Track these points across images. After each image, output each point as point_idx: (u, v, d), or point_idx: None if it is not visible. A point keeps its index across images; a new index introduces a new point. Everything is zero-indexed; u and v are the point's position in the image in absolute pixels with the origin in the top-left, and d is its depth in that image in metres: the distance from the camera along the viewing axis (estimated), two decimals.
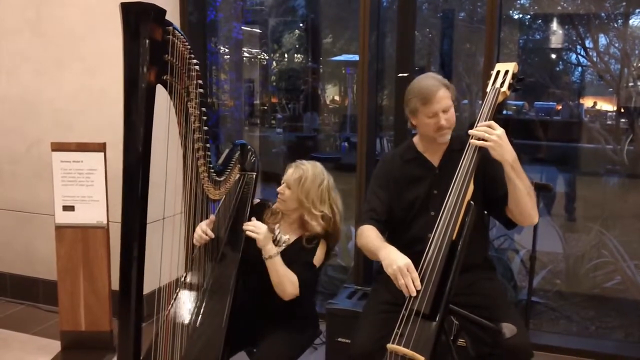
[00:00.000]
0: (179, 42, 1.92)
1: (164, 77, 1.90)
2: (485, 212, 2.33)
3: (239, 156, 2.46)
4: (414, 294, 1.84)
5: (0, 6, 3.70)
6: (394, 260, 1.94)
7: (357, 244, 2.30)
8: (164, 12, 1.86)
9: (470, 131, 2.02)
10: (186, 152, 2.13)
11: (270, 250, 2.19)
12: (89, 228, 3.14)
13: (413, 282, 1.85)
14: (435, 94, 2.15)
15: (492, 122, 2.00)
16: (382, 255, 2.02)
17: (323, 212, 2.28)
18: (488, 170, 2.16)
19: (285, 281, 2.19)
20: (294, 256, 2.29)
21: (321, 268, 2.34)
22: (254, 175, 2.50)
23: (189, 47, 1.97)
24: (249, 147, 2.50)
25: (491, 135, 1.96)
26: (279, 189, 2.33)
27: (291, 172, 2.31)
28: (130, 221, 1.85)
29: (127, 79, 1.80)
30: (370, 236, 2.17)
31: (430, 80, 2.18)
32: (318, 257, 2.29)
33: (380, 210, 2.28)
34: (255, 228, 2.20)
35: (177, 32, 1.90)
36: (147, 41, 1.79)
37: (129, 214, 1.85)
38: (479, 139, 1.98)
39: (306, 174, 2.28)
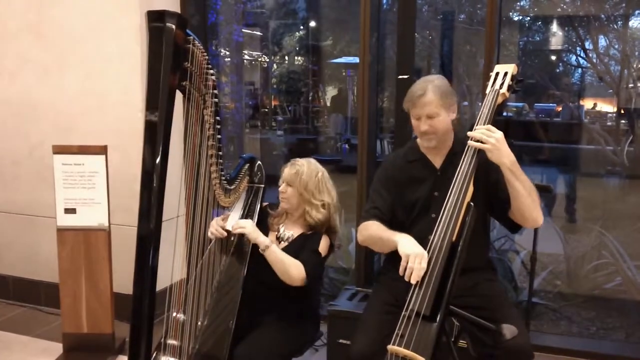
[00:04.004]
0: (198, 52, 2.01)
1: (184, 83, 1.97)
2: (489, 215, 2.33)
3: (247, 168, 2.54)
4: (412, 281, 1.86)
5: (2, 9, 3.71)
6: (412, 246, 1.96)
7: (360, 238, 2.30)
8: (186, 20, 1.92)
9: (468, 133, 2.03)
10: (199, 158, 2.18)
11: (264, 241, 2.23)
12: (90, 230, 3.15)
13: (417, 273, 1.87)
14: (420, 98, 2.17)
15: (491, 126, 2.01)
16: (397, 238, 2.03)
17: (323, 201, 2.36)
18: (491, 174, 2.17)
19: (289, 266, 2.23)
20: (299, 247, 2.34)
21: (326, 259, 2.39)
22: (262, 188, 2.56)
23: (206, 57, 2.06)
24: (257, 162, 2.58)
25: (489, 138, 1.97)
26: (280, 189, 2.40)
27: (288, 170, 2.39)
28: (147, 220, 1.87)
29: (150, 80, 1.86)
30: (377, 229, 2.19)
31: (422, 84, 2.19)
32: (322, 247, 2.34)
33: (383, 208, 2.29)
34: (240, 224, 2.26)
35: (196, 41, 1.98)
36: (171, 46, 1.86)
37: (146, 212, 1.87)
38: (477, 141, 1.99)
39: (302, 168, 2.37)
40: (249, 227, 2.24)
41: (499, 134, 1.99)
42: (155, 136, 1.85)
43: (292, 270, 2.22)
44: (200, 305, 2.29)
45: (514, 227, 2.21)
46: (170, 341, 2.25)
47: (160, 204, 1.89)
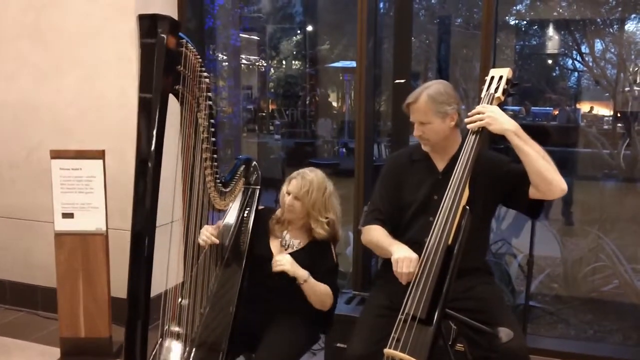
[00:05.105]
0: (191, 55, 1.99)
1: (176, 87, 1.96)
2: (507, 206, 2.35)
3: (243, 170, 2.53)
4: (403, 283, 1.93)
5: (0, 12, 3.72)
6: (403, 251, 2.02)
7: (363, 242, 2.35)
8: (179, 23, 1.91)
9: (466, 121, 2.06)
10: (194, 162, 2.17)
11: (303, 275, 2.24)
12: (88, 235, 3.15)
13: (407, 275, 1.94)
14: (410, 105, 2.21)
15: (483, 104, 2.05)
16: (393, 249, 2.08)
17: (328, 218, 2.36)
18: (496, 171, 2.18)
19: (323, 296, 2.29)
20: (311, 257, 2.35)
21: None
22: (258, 189, 2.55)
23: (200, 60, 2.04)
24: (253, 162, 2.57)
25: (484, 113, 2.01)
26: (287, 201, 2.37)
27: (298, 185, 2.35)
28: (140, 225, 1.87)
29: (142, 86, 1.85)
30: (379, 234, 2.24)
31: (419, 90, 2.21)
32: (335, 259, 2.40)
33: (383, 209, 2.32)
34: (280, 261, 2.24)
35: (189, 44, 1.96)
36: (163, 50, 1.85)
37: (139, 218, 1.87)
38: (474, 123, 2.02)
39: (312, 185, 2.34)
40: (288, 264, 2.22)
41: (493, 107, 2.02)
42: (148, 141, 1.85)
43: (326, 299, 2.30)
44: (196, 309, 2.28)
45: (535, 210, 2.20)
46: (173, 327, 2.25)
47: (154, 208, 1.88)
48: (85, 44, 3.53)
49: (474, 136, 2.04)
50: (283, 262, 2.23)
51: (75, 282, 3.18)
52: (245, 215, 2.47)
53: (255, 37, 7.93)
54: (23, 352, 3.32)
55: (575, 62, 6.71)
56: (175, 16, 3.74)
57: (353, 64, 3.65)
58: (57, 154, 3.14)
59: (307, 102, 8.62)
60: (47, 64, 3.64)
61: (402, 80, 3.36)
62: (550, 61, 7.22)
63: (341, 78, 9.12)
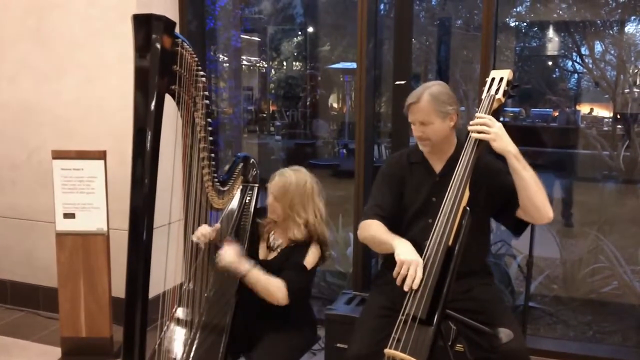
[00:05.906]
0: (187, 54, 1.99)
1: (172, 87, 1.96)
2: (495, 220, 2.34)
3: (241, 168, 2.53)
4: (406, 288, 1.86)
5: (1, 14, 3.73)
6: (409, 253, 1.94)
7: (360, 237, 2.30)
8: (174, 24, 1.91)
9: (469, 126, 2.05)
10: (191, 161, 2.18)
11: (245, 268, 2.20)
12: (89, 235, 3.16)
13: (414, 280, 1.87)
14: (412, 105, 2.20)
15: (490, 117, 2.03)
16: (396, 243, 2.02)
17: (306, 219, 2.31)
18: (496, 179, 2.18)
19: (271, 288, 2.20)
20: (287, 258, 2.33)
21: (313, 271, 2.35)
22: (256, 187, 2.54)
23: (196, 59, 2.05)
24: (251, 160, 2.56)
25: (490, 128, 1.99)
26: (269, 201, 2.35)
27: (275, 184, 2.33)
28: (137, 227, 1.87)
29: (137, 87, 1.85)
30: (378, 229, 2.18)
31: (420, 90, 2.21)
32: (309, 260, 2.30)
33: (384, 206, 2.29)
34: (223, 256, 2.20)
35: (185, 44, 1.96)
36: (158, 51, 1.84)
37: (136, 219, 1.87)
38: (478, 133, 2.01)
39: (291, 185, 2.30)
40: (229, 257, 2.19)
41: (499, 124, 2.01)
42: (144, 143, 1.84)
43: (275, 291, 2.20)
44: (195, 308, 2.29)
45: (520, 228, 2.21)
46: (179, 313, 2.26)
47: (152, 209, 1.87)
48: (86, 46, 3.54)
49: (475, 139, 2.04)
50: (225, 256, 2.19)
51: (76, 282, 3.19)
52: (243, 213, 2.47)
53: (256, 38, 7.94)
54: (24, 352, 3.33)
55: (575, 64, 6.73)
56: (176, 18, 3.75)
57: (353, 65, 3.66)
58: (58, 155, 3.15)
59: (308, 103, 8.63)
60: (48, 66, 3.65)
61: (403, 82, 3.37)
62: (550, 63, 7.23)
63: (341, 79, 9.13)
